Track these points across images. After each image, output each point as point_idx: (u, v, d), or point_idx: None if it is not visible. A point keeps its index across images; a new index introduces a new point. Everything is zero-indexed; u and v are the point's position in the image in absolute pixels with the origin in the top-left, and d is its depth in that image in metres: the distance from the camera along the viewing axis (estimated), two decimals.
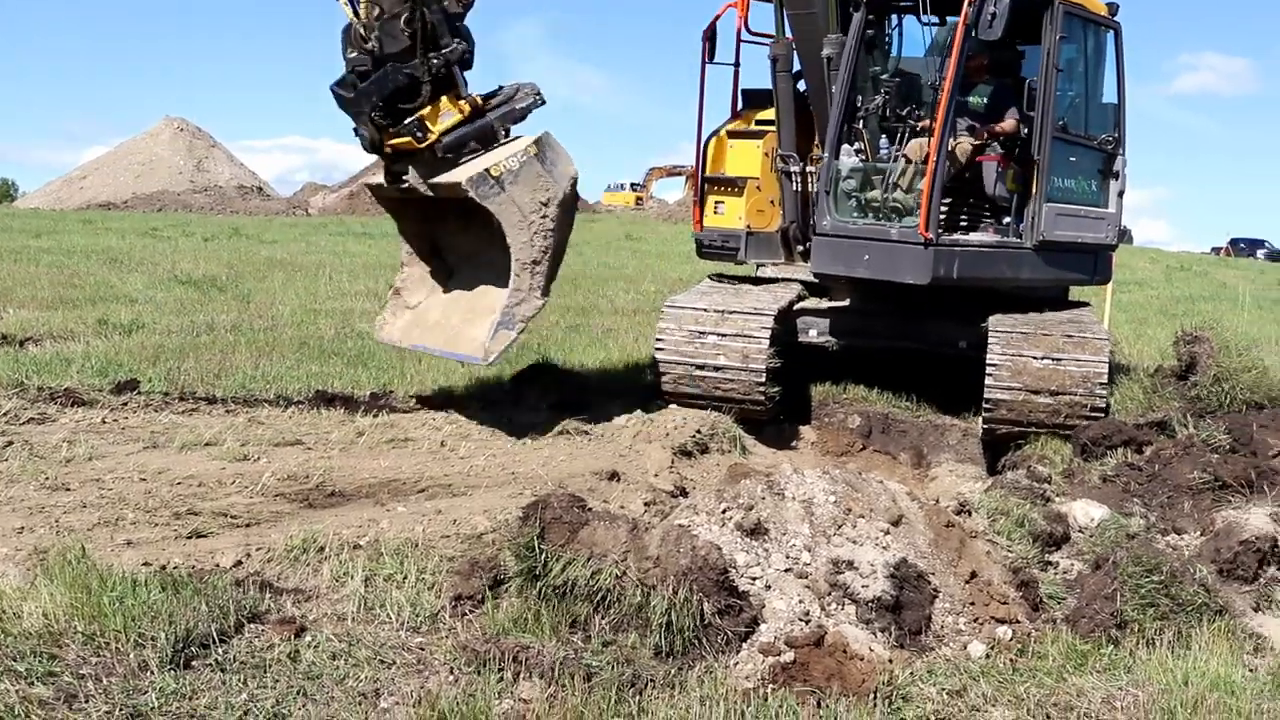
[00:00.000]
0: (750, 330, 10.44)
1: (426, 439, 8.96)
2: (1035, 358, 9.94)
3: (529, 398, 10.71)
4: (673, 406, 10.35)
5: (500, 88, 9.68)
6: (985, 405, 10.05)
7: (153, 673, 4.74)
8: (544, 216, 9.02)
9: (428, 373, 11.62)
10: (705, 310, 10.68)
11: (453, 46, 9.10)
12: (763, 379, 10.30)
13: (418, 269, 10.37)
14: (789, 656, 5.03)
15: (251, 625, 5.31)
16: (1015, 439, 10.14)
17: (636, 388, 11.36)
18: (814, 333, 11.76)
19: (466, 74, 9.36)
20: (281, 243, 30.11)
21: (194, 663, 4.90)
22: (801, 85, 11.81)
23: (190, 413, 9.54)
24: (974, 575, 5.98)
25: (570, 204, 9.37)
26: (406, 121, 9.05)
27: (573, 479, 7.86)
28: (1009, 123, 11.06)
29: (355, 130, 9.26)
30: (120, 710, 4.45)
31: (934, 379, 11.52)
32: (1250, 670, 5.35)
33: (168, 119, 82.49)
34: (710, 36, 11.84)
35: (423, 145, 9.10)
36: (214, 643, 5.05)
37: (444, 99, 9.18)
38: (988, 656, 5.43)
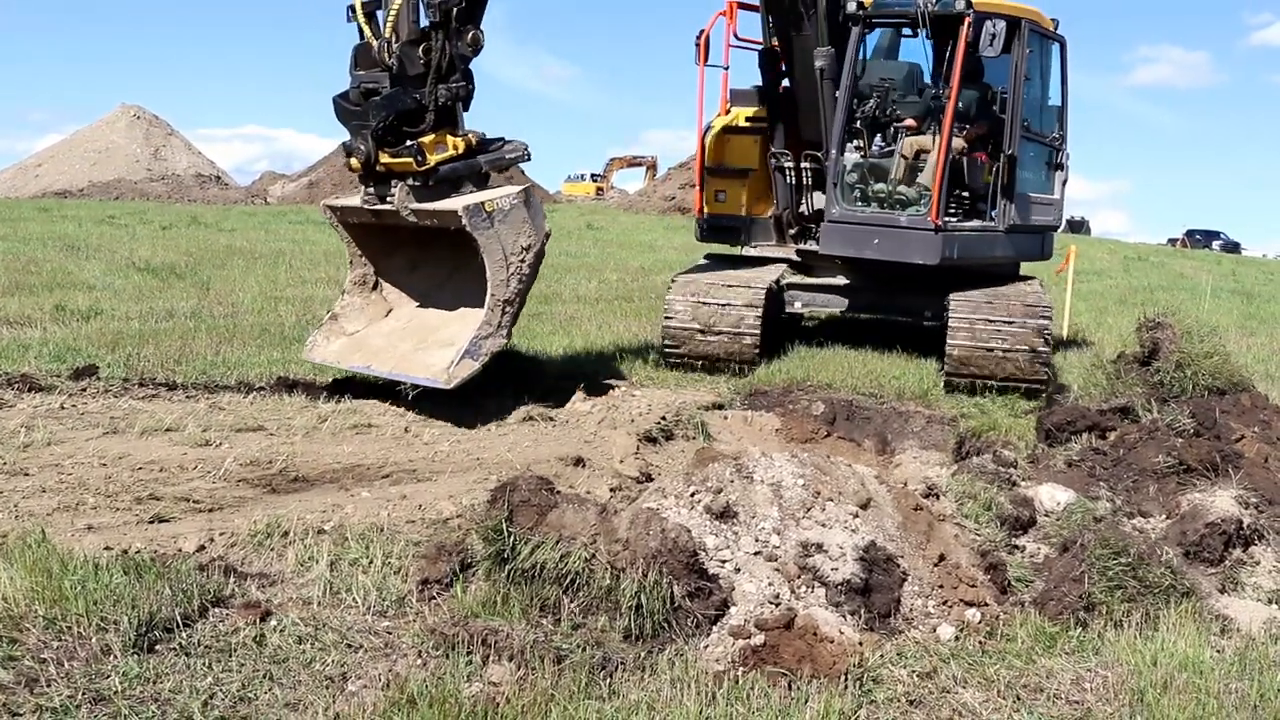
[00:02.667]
0: (747, 298, 12.25)
1: (390, 425, 8.89)
2: (988, 319, 11.60)
3: (492, 385, 10.67)
4: (637, 393, 10.48)
5: (500, 138, 10.08)
6: (947, 358, 11.70)
7: (115, 656, 4.67)
8: (523, 260, 9.41)
9: None
10: (709, 283, 12.55)
11: (461, 84, 9.50)
12: (757, 339, 12.13)
13: (358, 299, 10.55)
14: (759, 639, 5.01)
15: (216, 609, 5.25)
16: (973, 387, 11.62)
17: (601, 374, 11.35)
18: (799, 304, 13.82)
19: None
20: (241, 231, 29.89)
21: (157, 647, 4.84)
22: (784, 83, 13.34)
23: (150, 398, 9.42)
24: (942, 558, 5.97)
25: (541, 256, 9.73)
26: (408, 144, 9.26)
27: (537, 465, 7.81)
28: (982, 125, 12.67)
29: (347, 145, 9.41)
30: (82, 694, 4.38)
31: (900, 344, 13.01)
32: (1218, 651, 5.36)
33: (124, 106, 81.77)
34: (704, 42, 12.72)
35: (421, 169, 9.30)
36: (178, 627, 4.98)
37: (444, 131, 9.48)
38: (957, 639, 5.43)
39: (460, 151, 9.55)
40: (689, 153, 57.16)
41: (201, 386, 9.97)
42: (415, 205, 9.36)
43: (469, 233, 9.06)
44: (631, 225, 40.17)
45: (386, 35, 9.06)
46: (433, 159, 9.31)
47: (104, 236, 25.39)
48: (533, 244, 9.43)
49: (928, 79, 13.73)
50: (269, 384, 10.12)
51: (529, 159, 10.21)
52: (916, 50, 13.86)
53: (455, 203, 9.24)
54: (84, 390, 9.49)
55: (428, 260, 10.43)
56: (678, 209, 49.92)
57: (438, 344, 9.67)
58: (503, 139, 10.03)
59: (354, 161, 9.35)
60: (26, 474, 7.16)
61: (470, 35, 9.43)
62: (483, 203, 9.15)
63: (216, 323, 13.53)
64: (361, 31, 9.24)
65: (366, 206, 9.68)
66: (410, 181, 9.36)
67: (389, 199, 9.47)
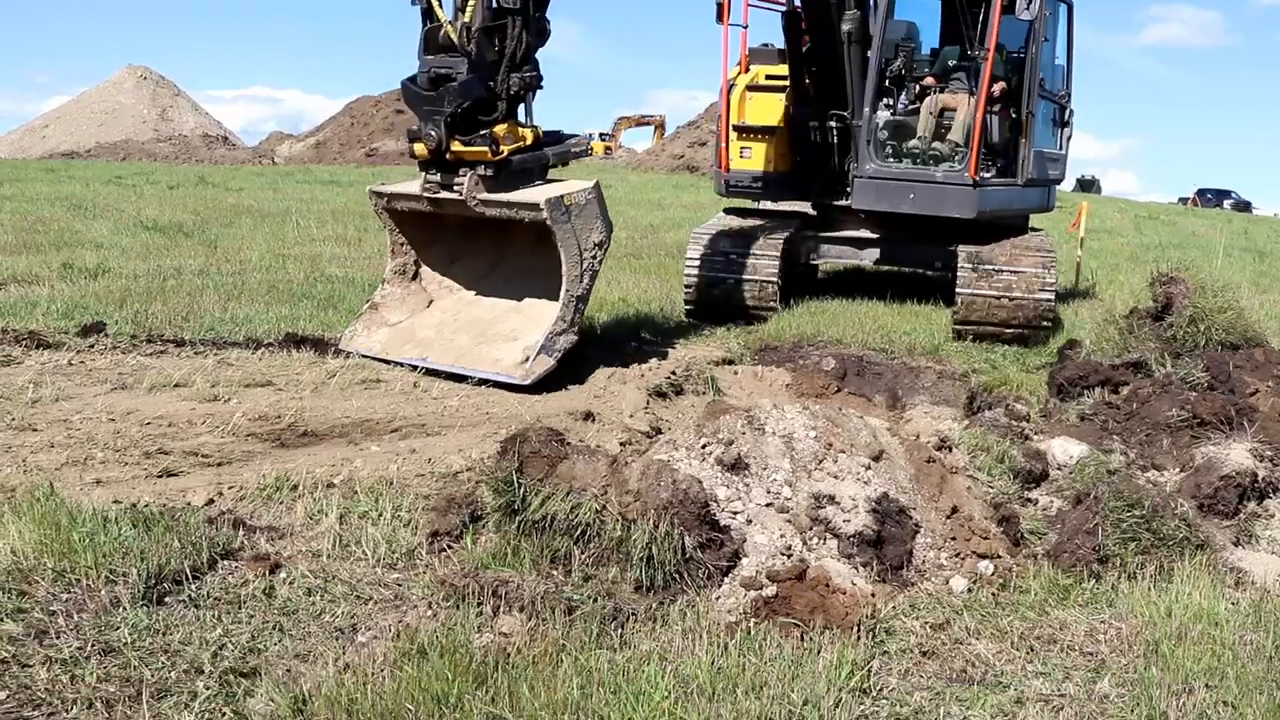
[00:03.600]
0: (767, 249, 12.83)
1: (399, 380, 8.86)
2: (994, 266, 12.08)
3: None
4: (647, 348, 10.49)
5: (559, 131, 10.03)
6: (955, 305, 12.13)
7: (124, 608, 4.66)
8: (594, 257, 9.32)
9: None
10: (729, 235, 13.20)
11: (534, 73, 9.35)
12: (776, 288, 12.63)
13: (399, 289, 10.34)
14: (771, 590, 4.98)
15: (225, 562, 5.24)
16: (981, 336, 12.01)
17: (610, 330, 11.31)
18: (814, 256, 14.27)
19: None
20: (248, 190, 29.79)
21: (166, 599, 4.83)
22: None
23: (158, 354, 9.40)
24: (955, 510, 5.94)
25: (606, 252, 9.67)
26: (481, 133, 9.08)
27: (546, 419, 7.77)
28: (1001, 84, 12.88)
29: (413, 131, 9.23)
30: (92, 645, 4.37)
31: (911, 297, 13.56)
32: (1232, 603, 5.32)
33: (130, 68, 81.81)
34: (726, 1, 12.99)
35: (496, 159, 9.14)
36: (187, 579, 4.97)
37: (514, 121, 9.36)
38: (970, 591, 5.40)
39: (529, 143, 9.44)
40: (697, 111, 57.02)
41: (209, 343, 9.95)
42: (486, 195, 9.19)
43: (548, 226, 8.92)
44: (640, 184, 40.00)
45: (467, 19, 8.89)
46: (505, 148, 9.16)
47: (111, 196, 25.33)
48: (603, 240, 9.36)
49: (923, 37, 14.38)
50: (277, 340, 10.09)
51: (590, 153, 10.11)
52: (910, 8, 14.30)
53: (535, 195, 9.10)
54: (92, 347, 9.47)
55: (466, 253, 10.32)
56: (686, 168, 49.70)
57: (500, 338, 9.55)
58: (560, 131, 9.96)
59: (420, 148, 9.14)
60: (35, 430, 7.15)
61: (542, 23, 9.35)
62: (562, 196, 9.00)
63: (224, 280, 13.50)
64: (429, 15, 9.08)
65: (427, 194, 9.45)
66: (481, 171, 9.17)
67: (455, 188, 9.25)
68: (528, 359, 8.94)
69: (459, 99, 8.89)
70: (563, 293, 9.12)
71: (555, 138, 9.83)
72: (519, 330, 9.49)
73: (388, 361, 9.39)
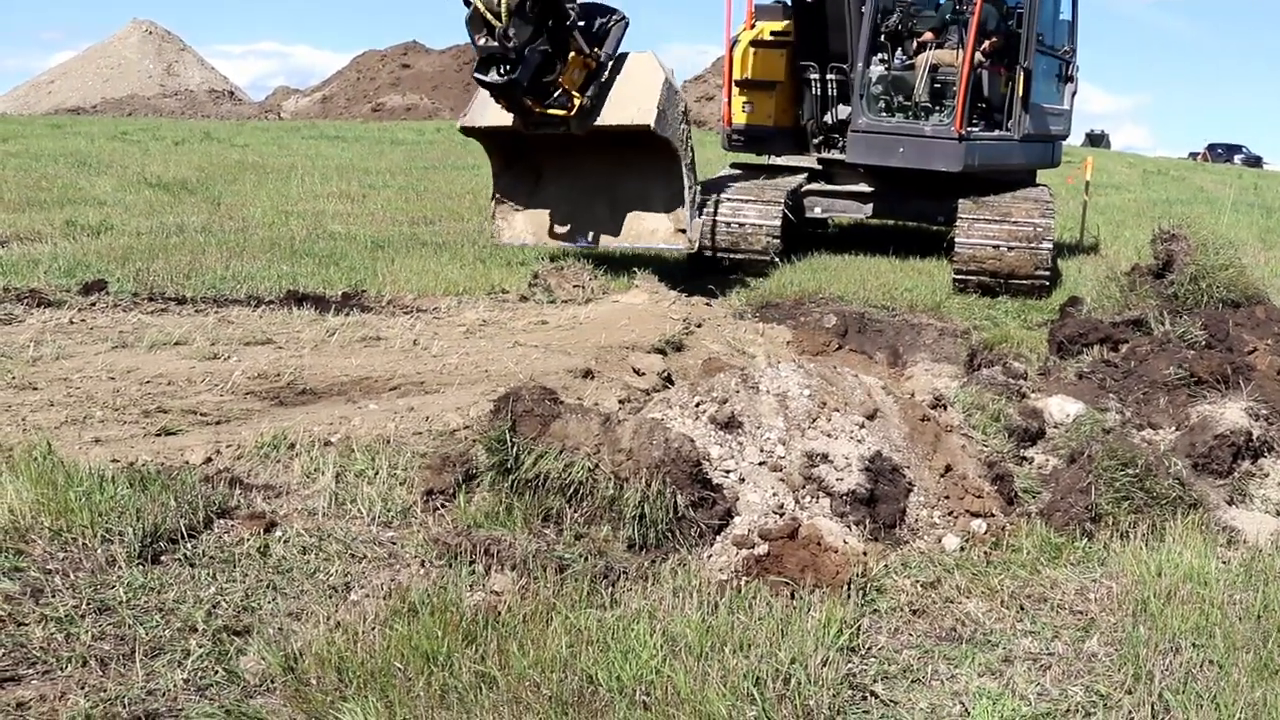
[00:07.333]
0: (770, 200, 13.01)
1: (399, 337, 8.88)
2: (992, 219, 12.22)
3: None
4: (649, 305, 10.46)
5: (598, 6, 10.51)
6: (955, 257, 12.21)
7: (120, 567, 4.69)
8: (684, 125, 10.43)
9: (400, 273, 11.52)
10: (734, 188, 13.29)
11: (571, 17, 9.74)
12: (778, 240, 12.76)
13: (507, 179, 11.65)
14: (763, 549, 4.99)
15: (221, 520, 5.26)
16: (981, 288, 12.13)
17: (610, 287, 11.30)
18: (819, 210, 14.47)
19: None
20: (253, 146, 29.74)
21: (162, 557, 4.86)
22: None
23: (159, 313, 9.43)
24: (949, 469, 5.95)
25: None
26: (555, 96, 9.84)
27: (546, 377, 7.78)
28: (999, 38, 13.19)
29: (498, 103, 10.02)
30: (87, 604, 4.40)
31: (913, 253, 13.74)
32: (1223, 562, 5.33)
33: (136, 22, 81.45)
34: None
35: (573, 113, 10.00)
36: (182, 538, 4.99)
37: (571, 58, 9.93)
38: (962, 549, 5.41)
39: (592, 68, 10.05)
40: (704, 66, 56.73)
41: (211, 300, 9.98)
42: (590, 126, 10.22)
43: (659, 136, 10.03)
44: None
45: (503, 9, 9.19)
46: (576, 93, 9.92)
47: (116, 152, 25.30)
48: (685, 107, 10.34)
49: None
50: (278, 297, 10.13)
51: (627, 23, 10.51)
52: None
53: (636, 115, 10.06)
54: (93, 305, 9.51)
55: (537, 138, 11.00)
56: (694, 123, 49.57)
57: (632, 204, 11.05)
58: (606, 12, 10.40)
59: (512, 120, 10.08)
60: (35, 388, 7.16)
61: None
62: (659, 109, 9.88)
63: (227, 237, 13.51)
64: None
65: (531, 129, 10.41)
66: (572, 121, 10.05)
67: (561, 129, 10.22)
68: (684, 230, 10.44)
69: (523, 82, 9.50)
70: (683, 165, 10.43)
71: (596, 31, 10.25)
72: (640, 195, 10.95)
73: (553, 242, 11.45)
